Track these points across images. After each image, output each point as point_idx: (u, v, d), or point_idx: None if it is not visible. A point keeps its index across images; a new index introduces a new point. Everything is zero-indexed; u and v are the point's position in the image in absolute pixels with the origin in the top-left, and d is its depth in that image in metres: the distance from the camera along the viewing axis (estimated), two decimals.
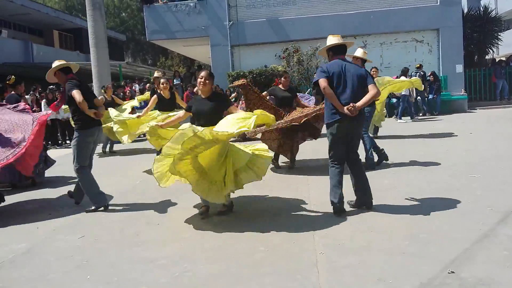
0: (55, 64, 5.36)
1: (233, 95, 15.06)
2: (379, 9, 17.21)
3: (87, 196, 5.45)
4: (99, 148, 10.30)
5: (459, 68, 16.97)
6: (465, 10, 19.86)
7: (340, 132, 4.62)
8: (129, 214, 5.22)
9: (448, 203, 4.81)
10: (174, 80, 18.04)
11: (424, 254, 3.50)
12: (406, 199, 5.04)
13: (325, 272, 3.30)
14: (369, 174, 6.42)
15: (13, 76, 7.38)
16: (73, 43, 32.23)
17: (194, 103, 4.96)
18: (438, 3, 16.92)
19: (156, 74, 10.20)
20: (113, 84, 15.13)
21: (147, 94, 11.55)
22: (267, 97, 7.42)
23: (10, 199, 6.24)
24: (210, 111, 4.76)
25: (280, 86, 7.50)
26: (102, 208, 5.34)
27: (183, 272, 3.47)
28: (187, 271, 3.48)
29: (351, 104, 4.42)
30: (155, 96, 7.94)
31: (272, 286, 3.13)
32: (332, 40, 4.80)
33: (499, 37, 19.97)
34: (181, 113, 5.21)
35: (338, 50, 4.79)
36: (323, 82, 4.55)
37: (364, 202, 4.76)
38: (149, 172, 7.61)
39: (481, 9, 20.08)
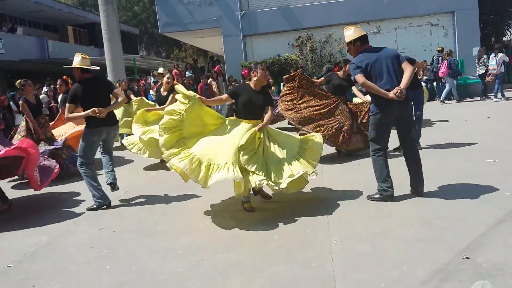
0: (76, 60, 5.31)
1: None
2: None
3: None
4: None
5: (476, 51, 16.69)
6: None
7: (389, 118, 4.56)
8: (146, 205, 5.30)
9: (465, 188, 4.78)
10: (186, 73, 18.11)
11: (439, 240, 3.50)
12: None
13: (339, 260, 3.32)
14: (390, 160, 6.44)
15: (18, 80, 7.50)
16: (87, 38, 32.50)
17: (243, 92, 4.80)
18: None
19: (160, 70, 10.19)
20: (128, 78, 15.26)
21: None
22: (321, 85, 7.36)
23: (30, 193, 6.39)
24: (261, 106, 4.82)
25: (339, 73, 7.39)
26: (105, 206, 5.32)
27: (200, 262, 3.53)
28: (204, 260, 3.55)
29: (397, 88, 4.36)
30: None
31: (287, 274, 3.17)
32: (355, 31, 4.71)
33: None
34: (223, 96, 5.11)
35: (364, 40, 4.73)
36: (360, 78, 4.52)
37: (415, 192, 4.71)
38: (165, 164, 7.71)
39: None
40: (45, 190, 6.59)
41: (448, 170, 5.64)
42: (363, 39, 4.73)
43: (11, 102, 12.24)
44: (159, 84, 8.18)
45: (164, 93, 7.63)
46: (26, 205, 5.89)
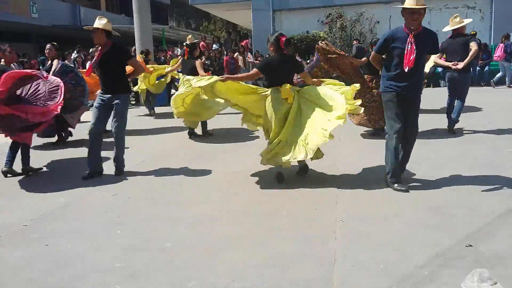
0: (101, 22, 5.36)
1: None
2: None
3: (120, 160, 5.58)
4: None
5: None
6: None
7: (400, 97, 4.45)
8: (162, 176, 5.42)
9: (479, 177, 4.72)
10: (214, 45, 18.09)
11: (445, 226, 3.50)
12: (434, 172, 4.97)
13: (342, 239, 3.36)
14: None
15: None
16: (119, 5, 32.68)
17: (273, 63, 4.91)
18: None
19: (188, 38, 10.21)
20: (156, 48, 15.36)
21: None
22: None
23: (51, 155, 6.62)
24: (291, 72, 5.10)
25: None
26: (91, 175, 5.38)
27: (208, 232, 3.63)
28: (211, 231, 3.64)
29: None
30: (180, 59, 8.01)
31: (289, 250, 3.23)
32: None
33: None
34: (253, 71, 5.14)
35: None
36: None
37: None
38: (185, 135, 7.83)
39: None
40: (65, 154, 6.82)
41: (466, 158, 5.56)
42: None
43: (40, 67, 12.53)
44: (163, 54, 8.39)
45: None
46: (48, 167, 6.09)
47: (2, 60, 6.20)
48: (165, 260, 3.15)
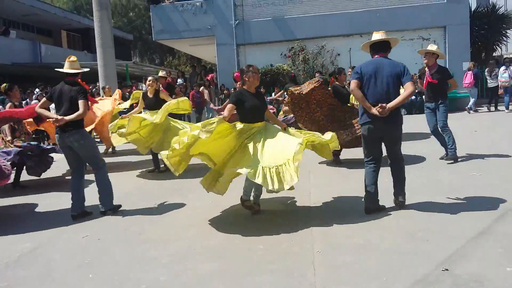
0: (68, 67, 5.27)
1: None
2: (385, 7, 17.20)
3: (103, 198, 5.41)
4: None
5: (466, 66, 16.90)
6: (473, 7, 19.77)
7: (372, 133, 4.57)
8: (132, 213, 5.30)
9: (448, 201, 4.85)
10: (178, 80, 18.16)
11: (420, 252, 3.55)
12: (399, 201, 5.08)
13: (321, 270, 3.36)
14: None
15: (4, 83, 7.41)
16: (81, 43, 32.50)
17: (245, 97, 4.78)
18: (445, 1, 16.86)
19: (160, 73, 10.21)
20: (120, 84, 15.27)
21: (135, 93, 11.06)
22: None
23: (14, 199, 6.37)
24: (263, 107, 4.95)
25: (337, 83, 7.56)
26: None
27: (184, 270, 3.55)
28: (188, 269, 3.56)
29: (380, 105, 4.35)
30: (140, 96, 7.87)
31: (269, 284, 3.20)
32: (374, 36, 4.70)
33: (507, 34, 19.85)
34: (229, 106, 4.82)
35: (378, 48, 4.69)
36: (353, 84, 4.58)
37: (397, 202, 4.73)
38: (152, 172, 7.71)
39: (490, 6, 19.98)
40: (29, 197, 6.58)
41: (433, 183, 5.71)
42: (376, 47, 4.69)
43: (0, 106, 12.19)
44: (143, 90, 8.26)
45: (151, 96, 7.69)
46: (9, 212, 5.85)
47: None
48: None
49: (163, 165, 7.70)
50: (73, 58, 5.36)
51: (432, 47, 7.03)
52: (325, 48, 17.80)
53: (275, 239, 4.11)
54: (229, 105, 4.73)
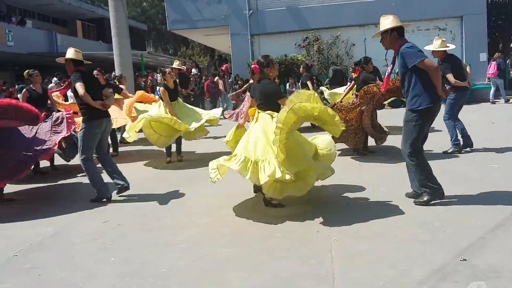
0: (68, 53, 5.42)
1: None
2: None
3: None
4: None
5: (483, 56, 16.70)
6: None
7: (432, 117, 4.50)
8: (150, 201, 5.37)
9: (466, 191, 4.83)
10: (193, 70, 18.20)
11: (437, 241, 3.56)
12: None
13: (338, 258, 3.39)
14: (390, 162, 6.48)
15: (26, 70, 7.51)
16: (96, 32, 32.69)
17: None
18: None
19: (175, 64, 10.22)
20: (135, 74, 15.37)
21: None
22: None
23: (35, 186, 6.50)
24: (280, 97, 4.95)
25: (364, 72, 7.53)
26: (104, 200, 5.42)
27: (201, 256, 3.60)
28: (205, 255, 3.62)
29: (448, 87, 4.30)
30: (163, 88, 7.76)
31: (286, 270, 3.23)
32: (394, 20, 4.48)
33: None
34: (249, 99, 5.08)
35: (401, 32, 4.52)
36: (430, 61, 4.30)
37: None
38: (172, 160, 7.79)
39: None
40: (52, 182, 6.71)
41: (450, 174, 5.69)
42: (401, 30, 4.51)
43: (19, 95, 12.36)
44: (143, 79, 8.37)
45: (173, 87, 7.74)
46: (33, 197, 5.97)
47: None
48: (163, 285, 3.11)
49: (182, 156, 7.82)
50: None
51: (436, 42, 6.92)
52: (339, 38, 17.71)
53: (292, 227, 4.14)
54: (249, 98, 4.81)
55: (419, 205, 4.46)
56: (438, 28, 17.13)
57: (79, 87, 5.17)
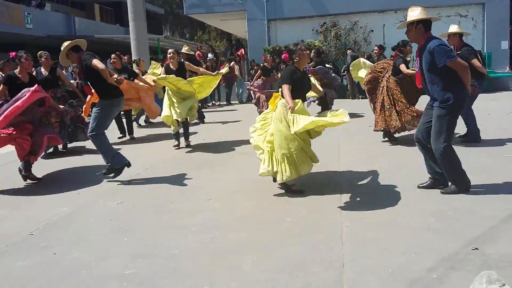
0: (64, 45, 5.40)
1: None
2: None
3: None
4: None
5: (505, 44, 16.32)
6: None
7: (462, 112, 4.55)
8: (164, 183, 5.43)
9: (481, 181, 4.77)
10: (209, 55, 18.17)
11: (449, 230, 3.54)
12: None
13: (349, 244, 3.39)
14: (405, 150, 6.43)
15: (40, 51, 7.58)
16: (113, 16, 32.79)
17: (299, 75, 4.77)
18: None
19: (184, 49, 10.21)
20: (152, 58, 15.42)
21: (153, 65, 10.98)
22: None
23: (52, 166, 6.61)
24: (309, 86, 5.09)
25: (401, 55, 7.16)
26: (119, 168, 5.50)
27: (213, 239, 3.64)
28: (217, 238, 3.66)
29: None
30: (162, 69, 7.80)
31: (297, 255, 3.25)
32: (421, 12, 4.35)
33: None
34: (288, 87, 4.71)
35: (428, 25, 4.40)
36: (463, 62, 4.32)
37: (444, 182, 4.62)
38: (182, 142, 7.84)
39: None
40: (66, 163, 6.82)
41: (465, 163, 5.60)
42: (427, 24, 4.39)
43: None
44: (165, 64, 8.27)
45: (174, 68, 7.59)
46: (48, 179, 6.08)
47: (18, 67, 6.13)
48: (175, 267, 3.16)
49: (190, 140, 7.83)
50: None
51: (453, 26, 6.76)
52: (358, 24, 17.46)
53: (303, 213, 4.15)
54: (289, 86, 4.60)
55: (447, 194, 4.43)
56: (459, 15, 16.76)
57: (98, 63, 5.15)
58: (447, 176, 4.51)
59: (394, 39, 12.73)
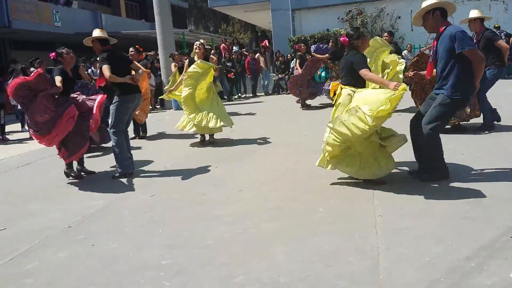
0: (95, 33, 5.59)
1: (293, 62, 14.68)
2: None
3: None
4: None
5: None
6: None
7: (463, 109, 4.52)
8: (194, 176, 5.49)
9: None
10: (233, 48, 18.17)
11: (486, 218, 3.47)
12: (468, 165, 4.92)
13: (383, 233, 3.37)
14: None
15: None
16: (139, 11, 33.12)
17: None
18: None
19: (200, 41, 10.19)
20: (178, 52, 15.53)
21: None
22: None
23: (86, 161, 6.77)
24: None
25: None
26: (125, 174, 5.57)
27: (246, 229, 3.67)
28: (250, 228, 3.69)
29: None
30: (187, 61, 7.79)
31: (330, 245, 3.25)
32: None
33: None
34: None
35: (445, 12, 4.29)
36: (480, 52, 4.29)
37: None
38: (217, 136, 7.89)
39: None
40: (101, 158, 6.96)
41: (500, 150, 5.48)
42: (444, 11, 4.26)
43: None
44: (186, 58, 8.25)
45: (199, 60, 7.42)
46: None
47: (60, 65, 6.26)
48: (210, 257, 3.21)
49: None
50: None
51: (473, 14, 6.53)
52: (384, 11, 17.15)
53: (335, 202, 4.14)
54: (366, 70, 4.45)
55: (424, 181, 4.43)
56: None
57: (105, 70, 5.34)
58: (428, 161, 4.50)
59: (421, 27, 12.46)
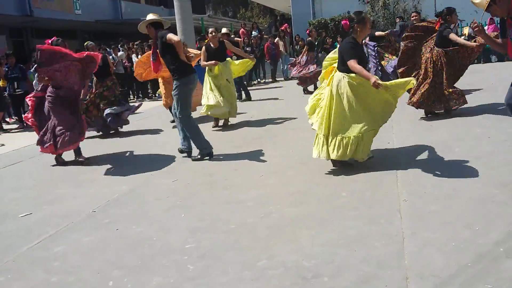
0: (149, 17, 5.55)
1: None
2: None
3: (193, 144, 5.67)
4: None
5: None
6: None
7: None
8: (217, 161, 5.51)
9: None
10: (253, 32, 18.03)
11: None
12: (493, 149, 4.80)
13: (408, 218, 3.32)
14: (464, 121, 6.18)
15: (87, 41, 7.79)
16: None
17: (359, 49, 4.53)
18: None
19: (223, 30, 10.17)
20: (197, 37, 15.49)
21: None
22: None
23: (108, 146, 6.85)
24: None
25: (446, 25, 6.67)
26: (207, 157, 5.58)
27: (269, 213, 3.67)
28: (273, 213, 3.68)
29: None
30: (203, 48, 7.70)
31: (354, 229, 3.22)
32: None
33: None
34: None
35: None
36: None
37: None
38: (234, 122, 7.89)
39: None
40: (123, 144, 7.03)
41: None
42: None
43: None
44: (204, 43, 8.24)
45: (215, 47, 7.49)
46: (107, 159, 6.30)
47: None
48: (233, 241, 3.22)
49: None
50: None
51: None
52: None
53: (359, 187, 4.09)
54: (353, 61, 4.33)
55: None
56: None
57: (172, 36, 5.22)
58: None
59: (445, 5, 12.12)
